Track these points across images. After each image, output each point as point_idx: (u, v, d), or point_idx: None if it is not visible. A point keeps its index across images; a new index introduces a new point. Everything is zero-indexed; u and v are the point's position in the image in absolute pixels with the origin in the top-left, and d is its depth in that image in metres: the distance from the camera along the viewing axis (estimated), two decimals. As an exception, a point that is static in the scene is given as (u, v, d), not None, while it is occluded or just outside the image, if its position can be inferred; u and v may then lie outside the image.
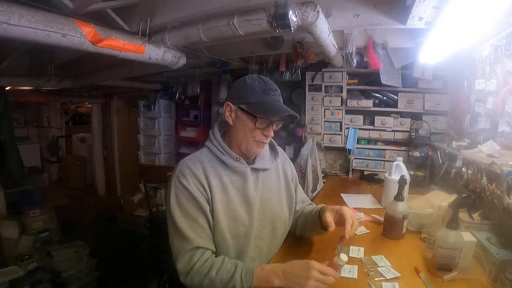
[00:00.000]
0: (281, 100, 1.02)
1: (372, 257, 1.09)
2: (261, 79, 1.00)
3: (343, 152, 2.59)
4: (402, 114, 2.38)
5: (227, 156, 1.01)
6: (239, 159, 1.02)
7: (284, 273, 0.82)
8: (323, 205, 1.11)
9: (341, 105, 2.49)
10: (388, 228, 1.29)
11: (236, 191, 1.01)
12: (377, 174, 2.42)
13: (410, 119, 2.34)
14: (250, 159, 1.06)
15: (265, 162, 1.09)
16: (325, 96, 2.52)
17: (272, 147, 1.17)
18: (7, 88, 2.97)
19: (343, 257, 0.82)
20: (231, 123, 1.02)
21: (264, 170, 1.08)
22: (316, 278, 0.78)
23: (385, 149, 2.43)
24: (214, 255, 0.95)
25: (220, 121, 1.13)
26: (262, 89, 0.98)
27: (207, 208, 0.96)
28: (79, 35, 1.21)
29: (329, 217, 0.99)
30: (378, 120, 2.40)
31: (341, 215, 0.99)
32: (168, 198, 0.97)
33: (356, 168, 2.52)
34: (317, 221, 1.07)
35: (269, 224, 1.09)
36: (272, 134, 1.01)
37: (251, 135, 0.99)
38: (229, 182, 1.01)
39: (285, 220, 1.15)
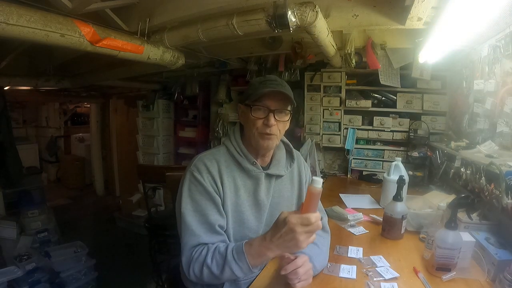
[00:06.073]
0: (280, 88, 0.96)
1: (371, 257, 1.10)
2: (264, 77, 1.02)
3: (342, 152, 2.59)
4: (401, 115, 2.39)
5: (244, 158, 1.00)
6: (255, 163, 1.01)
7: (271, 242, 0.78)
8: None
9: (340, 105, 2.49)
10: (387, 229, 1.29)
11: (247, 195, 1.01)
12: (375, 174, 2.42)
13: (408, 119, 2.35)
14: (265, 163, 1.06)
15: (280, 168, 1.08)
16: (324, 96, 2.53)
17: (289, 152, 1.15)
18: (5, 88, 2.96)
19: (317, 180, 0.73)
20: (241, 122, 1.04)
21: (278, 176, 1.08)
22: (302, 231, 0.73)
23: (383, 149, 2.44)
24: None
25: None
26: (260, 81, 0.99)
27: (219, 203, 0.95)
28: (78, 35, 1.21)
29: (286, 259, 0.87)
30: (376, 120, 2.40)
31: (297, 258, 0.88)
32: (180, 191, 0.96)
33: (355, 168, 2.52)
34: None
35: None
36: (272, 122, 0.94)
37: (254, 127, 0.97)
38: (242, 184, 1.00)
39: None
